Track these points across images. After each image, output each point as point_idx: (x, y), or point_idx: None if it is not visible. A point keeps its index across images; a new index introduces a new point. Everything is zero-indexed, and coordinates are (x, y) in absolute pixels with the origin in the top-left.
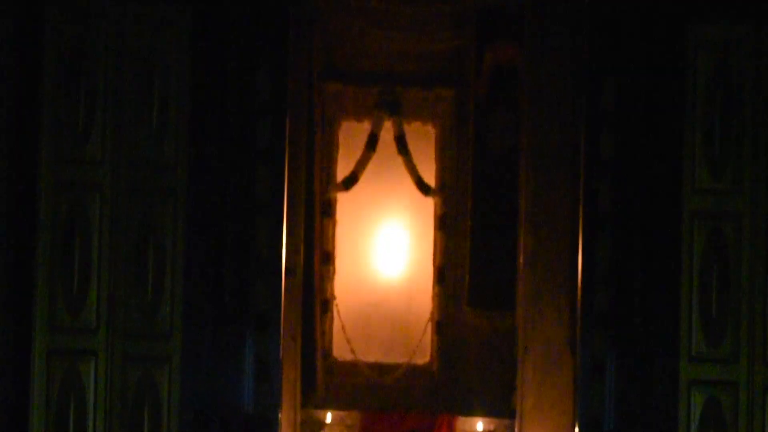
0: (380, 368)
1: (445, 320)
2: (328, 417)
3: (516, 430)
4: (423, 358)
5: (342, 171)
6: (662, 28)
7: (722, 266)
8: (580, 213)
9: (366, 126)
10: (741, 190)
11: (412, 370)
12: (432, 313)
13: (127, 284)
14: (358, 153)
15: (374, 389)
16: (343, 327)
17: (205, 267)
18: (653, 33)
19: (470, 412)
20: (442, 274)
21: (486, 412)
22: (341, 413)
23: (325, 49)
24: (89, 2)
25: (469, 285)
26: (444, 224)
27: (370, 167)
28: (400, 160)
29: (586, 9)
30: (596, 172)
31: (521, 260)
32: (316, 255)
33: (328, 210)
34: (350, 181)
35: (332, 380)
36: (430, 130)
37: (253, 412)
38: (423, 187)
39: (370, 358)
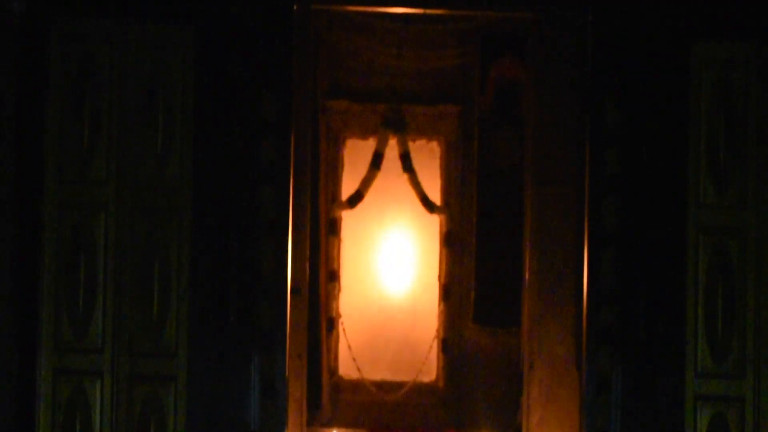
0: (386, 386)
1: (450, 337)
2: None
3: None
4: (429, 375)
5: (347, 189)
6: (666, 45)
7: (727, 281)
8: (585, 229)
9: (371, 144)
10: (746, 206)
11: (418, 388)
12: (437, 331)
13: (133, 304)
14: (363, 171)
15: (380, 407)
16: (348, 345)
17: (210, 286)
18: (657, 50)
19: (476, 429)
20: (447, 292)
21: (492, 429)
22: (347, 431)
23: (330, 67)
24: (93, 23)
25: (474, 302)
26: (449, 241)
27: (375, 185)
28: (405, 177)
29: (589, 26)
30: (601, 188)
31: (526, 277)
32: (322, 273)
33: (334, 228)
34: (355, 199)
35: (338, 398)
36: (435, 147)
37: (259, 430)
38: (428, 205)
39: (376, 376)
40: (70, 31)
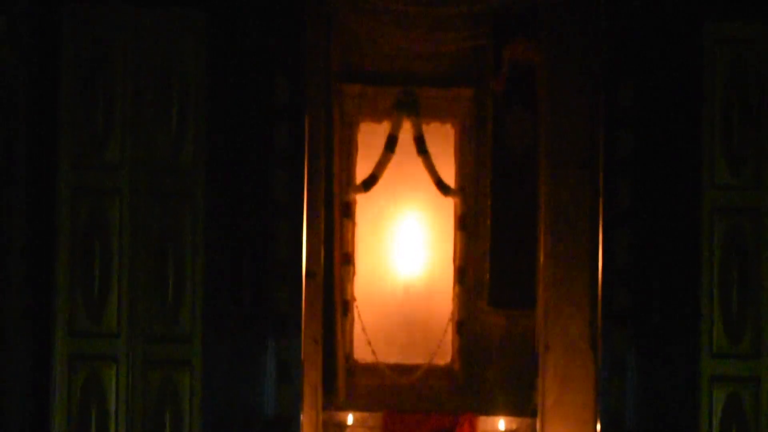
0: (401, 369)
1: (465, 320)
2: (350, 418)
3: (537, 427)
4: (444, 358)
5: (361, 172)
6: (680, 25)
7: (742, 261)
8: (600, 210)
9: (385, 127)
10: (760, 186)
11: (433, 371)
12: (452, 313)
13: (148, 288)
14: (377, 154)
15: (395, 390)
16: (363, 328)
17: (225, 270)
18: (671, 30)
19: (492, 411)
20: (462, 274)
21: (507, 411)
22: (363, 414)
23: (343, 51)
24: (106, 7)
25: (489, 284)
26: (464, 224)
27: (390, 168)
28: (419, 160)
29: (603, 7)
30: (615, 169)
31: (541, 259)
32: (336, 256)
33: (348, 211)
34: (370, 182)
35: (353, 381)
36: (449, 130)
37: (274, 414)
38: (442, 187)
39: (391, 359)
40: (83, 15)
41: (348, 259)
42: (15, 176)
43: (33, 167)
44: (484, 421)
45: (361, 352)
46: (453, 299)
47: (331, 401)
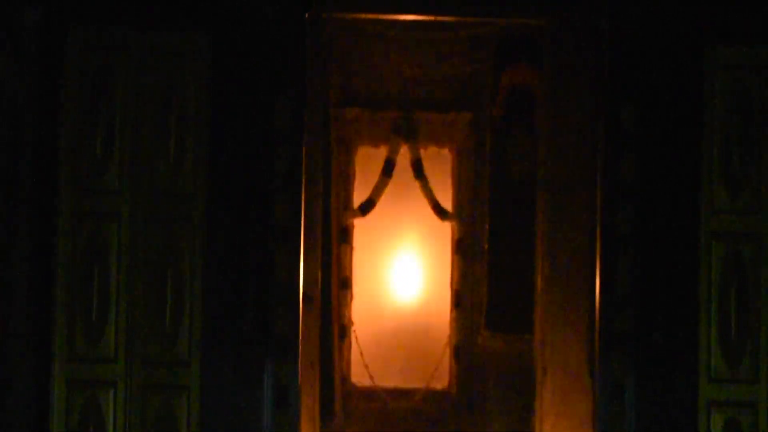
0: (398, 393)
1: (463, 344)
2: None
3: None
4: (441, 382)
5: (359, 197)
6: (682, 49)
7: (741, 287)
8: (599, 235)
9: (382, 151)
10: (759, 211)
11: (431, 395)
12: (450, 338)
13: (146, 313)
14: (374, 178)
15: (393, 414)
16: (361, 352)
17: (223, 295)
18: (673, 55)
19: None
20: (459, 298)
21: None
22: None
23: (341, 75)
24: (109, 31)
25: (486, 309)
26: (461, 248)
27: (387, 192)
28: (416, 184)
29: (604, 31)
30: (615, 193)
31: (539, 283)
32: (334, 281)
33: (346, 236)
34: (367, 207)
35: (350, 405)
36: (447, 155)
37: None
38: (440, 212)
39: (389, 383)
40: (86, 39)
41: (346, 284)
42: (18, 200)
43: (33, 191)
44: None
45: (359, 376)
46: (450, 323)
47: (329, 426)
